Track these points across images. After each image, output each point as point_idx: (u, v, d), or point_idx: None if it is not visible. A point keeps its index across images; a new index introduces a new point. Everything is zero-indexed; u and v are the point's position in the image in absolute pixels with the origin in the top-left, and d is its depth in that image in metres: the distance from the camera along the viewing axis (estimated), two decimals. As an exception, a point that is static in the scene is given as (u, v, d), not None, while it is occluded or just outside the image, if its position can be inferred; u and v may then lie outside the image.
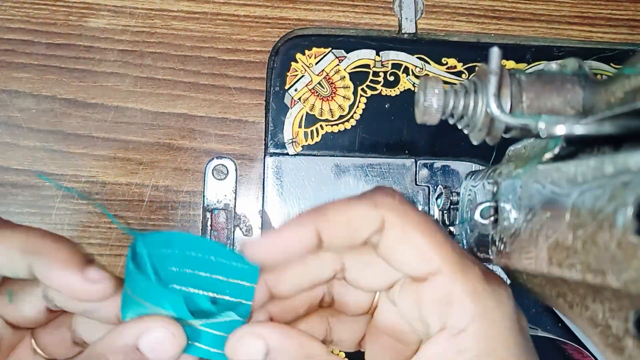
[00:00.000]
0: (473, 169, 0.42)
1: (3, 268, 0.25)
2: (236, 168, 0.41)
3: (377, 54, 0.43)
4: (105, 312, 0.26)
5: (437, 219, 0.42)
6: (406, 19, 0.43)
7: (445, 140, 0.43)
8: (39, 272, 0.24)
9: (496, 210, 0.31)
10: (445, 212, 0.41)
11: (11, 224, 0.26)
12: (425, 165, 0.43)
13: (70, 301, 0.26)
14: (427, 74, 0.43)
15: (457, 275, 0.23)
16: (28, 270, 0.24)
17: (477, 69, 0.31)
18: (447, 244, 0.24)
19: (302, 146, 0.42)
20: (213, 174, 0.41)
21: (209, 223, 0.40)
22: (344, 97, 0.42)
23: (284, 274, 0.26)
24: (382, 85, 0.43)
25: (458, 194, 0.39)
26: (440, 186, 0.41)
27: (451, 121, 0.28)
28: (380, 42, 0.43)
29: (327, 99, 0.42)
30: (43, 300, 0.27)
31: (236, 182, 0.41)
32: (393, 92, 0.43)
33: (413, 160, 0.43)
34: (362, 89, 0.43)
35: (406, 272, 0.24)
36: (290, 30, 0.43)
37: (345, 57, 0.43)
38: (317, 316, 0.28)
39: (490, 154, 0.39)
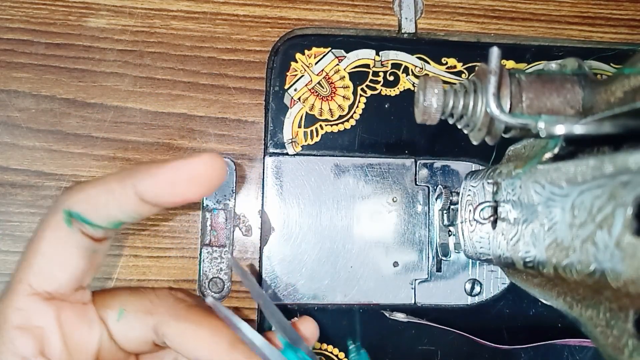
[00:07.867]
0: (473, 169, 0.42)
1: None
2: (235, 168, 0.41)
3: (377, 54, 0.43)
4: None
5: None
6: (406, 18, 0.43)
7: (445, 140, 0.43)
8: None
9: (496, 210, 0.31)
10: (445, 212, 0.41)
11: None
12: (425, 165, 0.43)
13: (184, 346, 0.27)
14: (426, 74, 0.43)
15: None
16: None
17: (476, 68, 0.31)
18: None
19: (301, 146, 0.42)
20: (212, 174, 0.41)
21: (208, 223, 0.40)
22: (343, 97, 0.42)
23: None
24: (381, 85, 0.43)
25: (458, 194, 0.39)
26: (440, 186, 0.41)
27: (451, 121, 0.28)
28: (380, 42, 0.43)
29: (327, 99, 0.42)
30: (152, 333, 0.28)
31: (235, 182, 0.41)
32: (393, 92, 0.43)
33: (413, 160, 0.43)
34: (362, 89, 0.42)
35: None
36: (289, 30, 0.43)
37: (345, 56, 0.42)
38: None
39: (490, 154, 0.39)
